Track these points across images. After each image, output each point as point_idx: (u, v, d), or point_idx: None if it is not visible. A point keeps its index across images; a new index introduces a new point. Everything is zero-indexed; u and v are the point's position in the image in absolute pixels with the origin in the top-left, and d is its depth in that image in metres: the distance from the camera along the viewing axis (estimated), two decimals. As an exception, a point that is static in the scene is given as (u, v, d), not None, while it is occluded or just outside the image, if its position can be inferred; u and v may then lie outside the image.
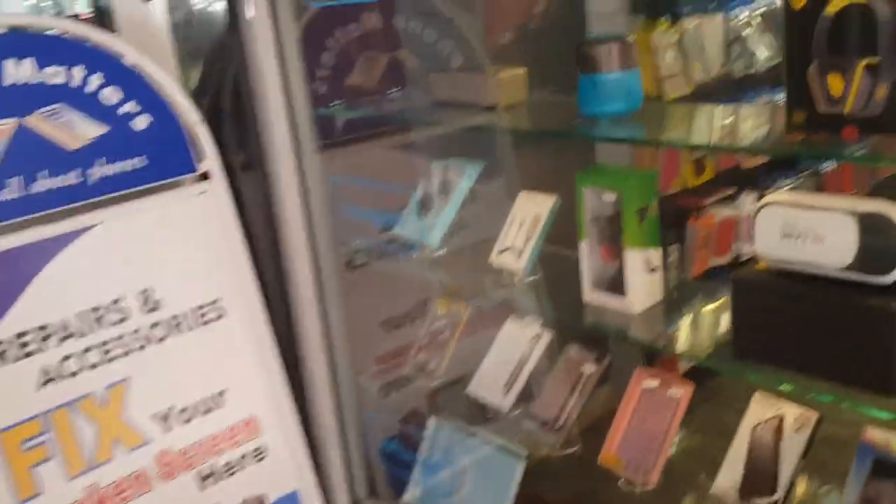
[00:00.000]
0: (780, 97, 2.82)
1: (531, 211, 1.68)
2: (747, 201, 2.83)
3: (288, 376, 1.88)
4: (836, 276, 1.11)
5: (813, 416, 1.36)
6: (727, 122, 1.33)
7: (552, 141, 2.11)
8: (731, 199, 2.80)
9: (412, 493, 2.12)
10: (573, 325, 1.62)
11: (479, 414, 1.91)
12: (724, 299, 1.59)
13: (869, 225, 1.06)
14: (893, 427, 1.25)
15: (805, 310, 1.13)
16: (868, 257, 1.07)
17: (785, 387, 1.18)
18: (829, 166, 3.13)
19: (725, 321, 1.45)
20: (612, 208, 1.43)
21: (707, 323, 1.47)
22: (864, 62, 1.02)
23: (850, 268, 1.09)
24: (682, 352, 1.40)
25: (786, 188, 2.97)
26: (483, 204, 1.98)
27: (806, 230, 1.12)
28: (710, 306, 1.54)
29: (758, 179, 2.93)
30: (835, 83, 1.06)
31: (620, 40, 1.35)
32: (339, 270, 2.06)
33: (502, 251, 1.68)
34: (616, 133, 1.37)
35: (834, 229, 1.09)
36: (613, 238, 1.44)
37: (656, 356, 2.67)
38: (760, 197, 2.90)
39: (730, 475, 1.38)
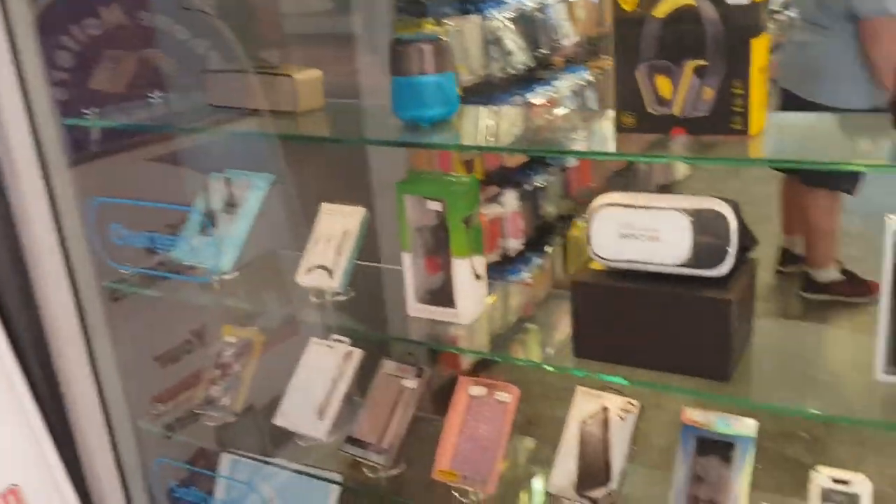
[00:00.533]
0: (535, 96, 2.99)
1: (338, 225, 1.59)
2: (510, 199, 2.97)
3: (53, 431, 1.61)
4: (671, 272, 1.16)
5: (635, 405, 1.43)
6: (550, 123, 1.34)
7: (342, 148, 2.02)
8: (496, 197, 2.92)
9: (212, 540, 1.92)
10: (397, 341, 1.56)
11: (286, 443, 1.77)
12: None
13: (702, 222, 1.12)
14: (713, 408, 1.35)
15: (644, 306, 1.17)
16: (701, 252, 1.13)
17: (636, 383, 1.21)
18: (573, 164, 3.40)
19: (553, 322, 1.48)
20: (436, 217, 1.38)
21: (537, 324, 1.48)
22: (692, 64, 1.07)
23: (685, 263, 1.14)
24: (526, 357, 1.39)
25: (540, 182, 3.17)
26: (273, 218, 1.84)
27: (642, 229, 1.16)
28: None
29: (517, 177, 3.09)
30: (663, 85, 1.10)
31: (435, 41, 1.30)
32: (105, 302, 1.80)
33: (311, 269, 1.57)
34: (440, 139, 1.33)
35: (669, 227, 1.14)
36: (438, 248, 1.40)
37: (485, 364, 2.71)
38: (522, 194, 3.07)
39: (564, 471, 1.41)
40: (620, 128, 1.16)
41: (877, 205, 4.71)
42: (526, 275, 3.07)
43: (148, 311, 1.97)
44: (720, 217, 1.12)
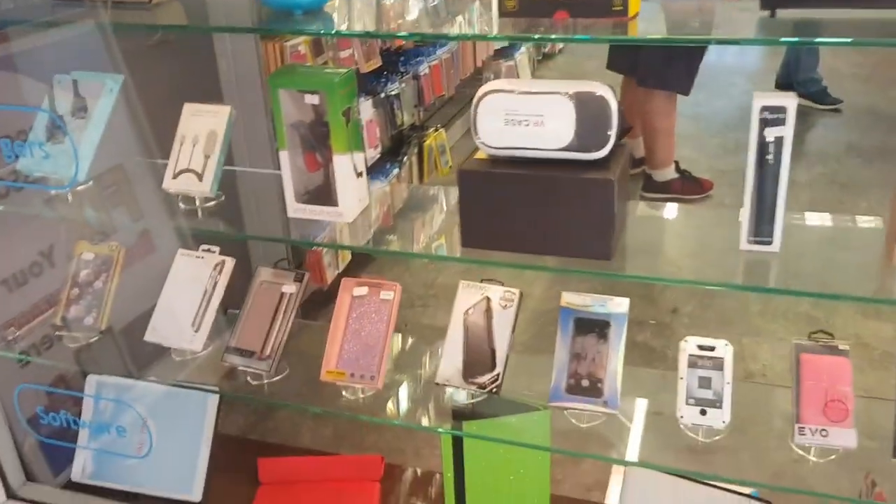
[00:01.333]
0: None
1: (204, 126, 1.50)
2: (365, 106, 2.92)
3: None
4: (555, 156, 1.19)
5: (516, 293, 1.48)
6: (432, 9, 1.31)
7: (196, 47, 1.89)
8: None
9: (80, 465, 1.84)
10: (273, 246, 1.51)
11: (158, 359, 1.70)
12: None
13: (584, 105, 1.15)
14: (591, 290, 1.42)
15: (530, 191, 1.20)
16: (584, 135, 1.16)
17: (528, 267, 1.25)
18: (426, 72, 3.37)
19: (434, 215, 1.49)
20: (313, 111, 1.33)
21: (420, 220, 1.49)
22: (574, -52, 1.08)
23: (568, 147, 1.17)
24: (415, 251, 1.39)
25: (393, 90, 3.12)
26: (126, 122, 1.72)
27: (527, 115, 1.17)
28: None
29: (370, 84, 3.03)
30: (545, -31, 1.11)
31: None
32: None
33: (178, 174, 1.48)
34: (311, 26, 1.27)
35: (553, 112, 1.16)
36: (317, 144, 1.35)
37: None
38: (376, 102, 3.01)
39: (451, 361, 1.45)
40: (503, 12, 1.15)
41: (705, 107, 5.02)
42: (384, 185, 3.05)
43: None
44: (601, 100, 1.15)
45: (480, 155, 1.25)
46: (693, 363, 1.34)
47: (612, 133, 1.16)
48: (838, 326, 2.71)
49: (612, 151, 1.20)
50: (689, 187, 3.66)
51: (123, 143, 1.88)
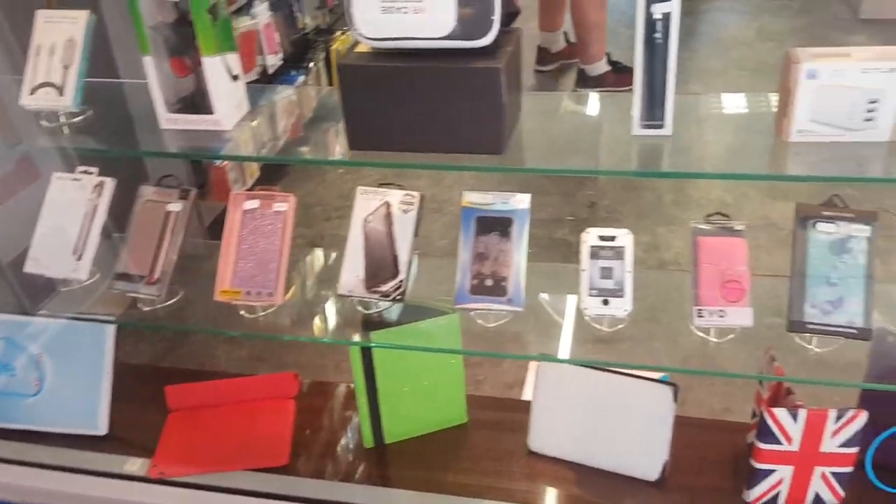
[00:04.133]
0: None
1: (60, 33, 1.36)
2: (261, 10, 2.74)
3: None
4: (438, 45, 1.11)
5: (416, 196, 1.43)
6: None
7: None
8: (246, 9, 2.68)
9: (-22, 408, 1.75)
10: (153, 161, 1.41)
11: (47, 291, 1.61)
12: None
13: (463, -13, 1.07)
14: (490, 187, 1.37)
15: (414, 85, 1.13)
16: (467, 22, 1.09)
17: (412, 166, 1.19)
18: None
19: (324, 129, 1.40)
20: (175, 10, 1.22)
21: (325, 128, 1.40)
22: None
23: (450, 36, 1.10)
24: (304, 157, 1.31)
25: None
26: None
27: (405, 3, 1.09)
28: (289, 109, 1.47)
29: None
30: None
31: None
32: None
33: (35, 88, 1.35)
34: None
35: (432, -3, 1.08)
36: (183, 47, 1.24)
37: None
38: (273, 3, 2.84)
39: (352, 270, 1.40)
40: None
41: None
42: (290, 92, 2.91)
43: None
44: (482, -19, 1.07)
45: (361, 48, 1.17)
46: (594, 254, 1.32)
47: (496, 18, 1.09)
48: (747, 210, 2.76)
49: (499, 38, 1.12)
50: (622, 79, 3.60)
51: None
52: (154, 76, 1.27)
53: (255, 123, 1.33)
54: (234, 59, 1.28)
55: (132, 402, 1.75)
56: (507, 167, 1.15)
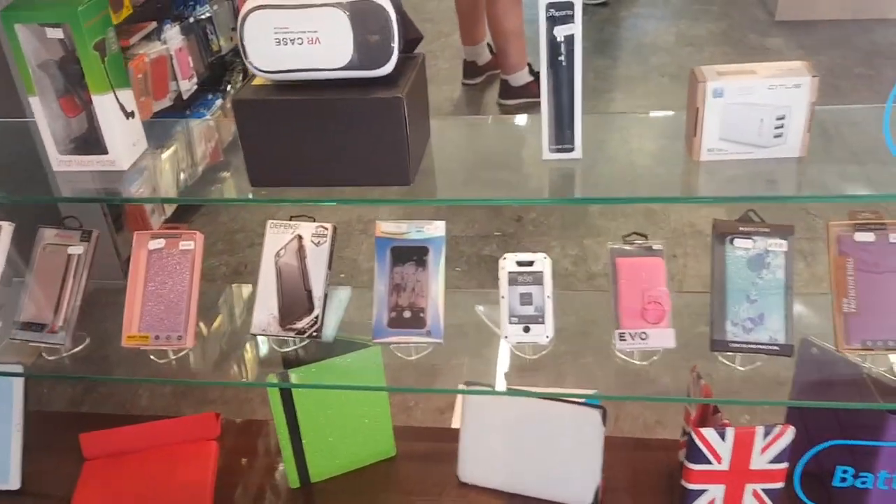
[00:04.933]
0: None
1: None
2: (172, 34, 2.66)
3: None
4: (337, 76, 1.07)
5: (328, 227, 1.38)
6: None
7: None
8: (156, 34, 2.59)
9: None
10: (47, 202, 1.33)
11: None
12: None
13: (361, 17, 1.03)
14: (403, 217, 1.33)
15: (313, 118, 1.08)
16: (365, 51, 1.05)
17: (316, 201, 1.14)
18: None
19: (227, 152, 1.35)
20: (62, 48, 1.15)
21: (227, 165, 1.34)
22: None
23: (349, 66, 1.06)
24: (204, 197, 1.26)
25: (202, 13, 2.86)
26: None
27: (299, 33, 1.04)
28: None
29: (177, 9, 2.76)
30: None
31: None
32: None
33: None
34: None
35: (328, 26, 1.04)
36: (73, 85, 1.18)
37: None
38: (185, 28, 2.75)
39: (266, 308, 1.34)
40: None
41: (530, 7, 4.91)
42: (208, 118, 2.84)
43: None
44: (379, 9, 1.03)
45: (259, 81, 1.12)
46: (513, 280, 1.29)
47: (395, 46, 1.05)
48: (674, 217, 2.78)
49: (401, 65, 1.09)
50: None
51: None
52: (43, 117, 1.20)
53: (153, 162, 1.27)
54: (127, 96, 1.22)
55: (47, 451, 1.66)
56: (414, 199, 1.12)
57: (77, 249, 1.41)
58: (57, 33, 1.14)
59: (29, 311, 1.40)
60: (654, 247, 1.27)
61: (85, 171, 1.23)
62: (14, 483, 1.61)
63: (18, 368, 1.50)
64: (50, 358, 1.39)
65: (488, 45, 4.01)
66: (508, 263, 1.29)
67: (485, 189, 1.15)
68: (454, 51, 4.26)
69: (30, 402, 1.61)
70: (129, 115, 1.23)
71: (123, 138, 1.22)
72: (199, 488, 1.57)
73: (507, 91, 3.72)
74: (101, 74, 1.16)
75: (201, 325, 1.39)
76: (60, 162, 1.23)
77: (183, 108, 2.74)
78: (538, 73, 1.06)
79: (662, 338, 1.22)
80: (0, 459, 1.61)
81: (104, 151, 1.21)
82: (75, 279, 1.40)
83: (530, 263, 1.29)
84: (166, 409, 2.07)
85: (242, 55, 1.08)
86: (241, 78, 3.15)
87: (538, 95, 1.09)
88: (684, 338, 1.25)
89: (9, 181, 1.31)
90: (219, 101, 2.96)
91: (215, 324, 1.46)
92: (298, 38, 1.05)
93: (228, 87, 3.08)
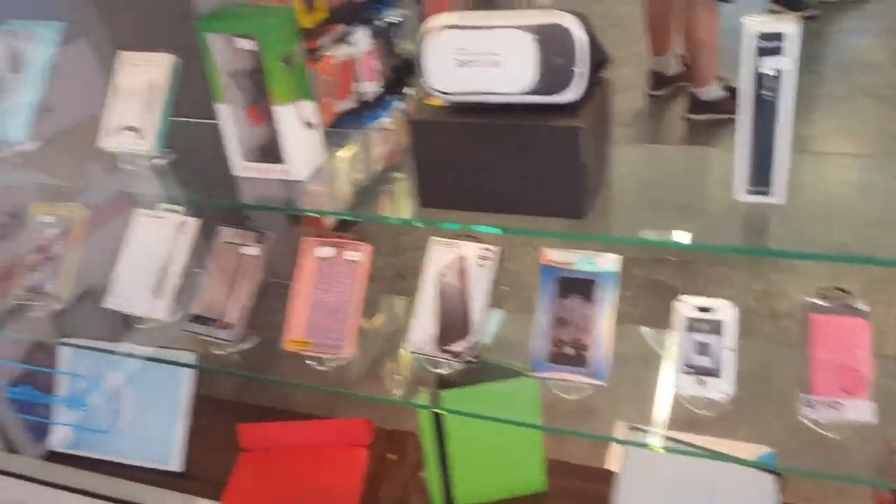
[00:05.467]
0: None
1: (143, 76, 1.35)
2: (361, 37, 2.72)
3: None
4: (517, 101, 1.02)
5: (494, 249, 1.33)
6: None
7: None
8: (345, 37, 2.66)
9: (60, 436, 1.78)
10: (228, 206, 1.38)
11: (127, 326, 1.60)
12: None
13: (547, 40, 0.97)
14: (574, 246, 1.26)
15: (489, 143, 1.04)
16: (549, 75, 0.99)
17: (482, 228, 1.10)
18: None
19: (401, 177, 1.33)
20: (251, 58, 1.18)
21: (401, 173, 1.33)
22: None
23: (531, 90, 1.00)
24: (370, 214, 1.25)
25: (391, 17, 2.91)
26: (75, 78, 1.58)
27: (481, 54, 1.00)
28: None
29: (367, 13, 2.82)
30: None
31: None
32: None
33: (115, 131, 1.34)
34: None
35: (511, 49, 0.99)
36: (259, 95, 1.20)
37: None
38: (374, 31, 2.82)
39: (423, 327, 1.32)
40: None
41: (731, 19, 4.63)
42: (387, 120, 2.88)
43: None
44: (567, 34, 0.97)
45: (434, 101, 1.09)
46: (690, 326, 1.19)
47: (582, 71, 0.98)
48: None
49: (586, 92, 1.02)
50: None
51: (81, 98, 1.75)
52: (229, 123, 1.23)
53: (328, 173, 1.27)
54: (309, 108, 1.23)
55: (208, 437, 1.73)
56: (587, 234, 1.04)
57: (252, 251, 1.45)
58: (247, 44, 1.16)
59: (201, 306, 1.46)
60: (858, 306, 1.12)
61: (264, 179, 1.26)
62: (176, 465, 1.69)
63: (192, 358, 1.57)
64: (217, 353, 1.44)
65: (679, 55, 3.82)
66: (685, 307, 1.19)
67: (666, 230, 1.05)
68: (640, 58, 4.10)
69: (197, 385, 1.69)
70: (310, 125, 1.24)
71: (303, 149, 1.23)
72: (347, 493, 1.58)
73: (697, 105, 3.53)
74: (286, 86, 1.17)
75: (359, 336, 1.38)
76: (243, 168, 1.27)
77: (364, 109, 2.80)
78: (734, 88, 0.95)
79: (859, 410, 1.08)
80: (165, 440, 1.70)
81: (283, 161, 1.23)
82: (249, 279, 1.44)
83: (711, 310, 1.18)
84: (321, 405, 2.11)
85: (420, 74, 1.05)
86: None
87: (730, 113, 0.98)
88: (886, 408, 1.09)
89: (195, 181, 1.37)
90: (398, 104, 3.00)
91: (373, 334, 1.45)
92: (480, 61, 1.00)
93: (407, 90, 3.11)
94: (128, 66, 1.36)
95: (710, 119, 3.50)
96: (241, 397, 2.18)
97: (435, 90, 1.05)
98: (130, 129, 1.33)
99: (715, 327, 1.17)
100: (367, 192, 1.30)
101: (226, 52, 1.18)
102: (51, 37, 1.44)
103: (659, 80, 3.88)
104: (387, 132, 2.88)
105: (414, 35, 2.88)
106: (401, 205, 1.26)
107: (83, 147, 1.55)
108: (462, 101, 1.05)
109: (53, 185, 1.60)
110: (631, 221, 1.09)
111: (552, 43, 0.97)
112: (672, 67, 3.85)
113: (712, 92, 3.47)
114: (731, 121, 0.98)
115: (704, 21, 3.33)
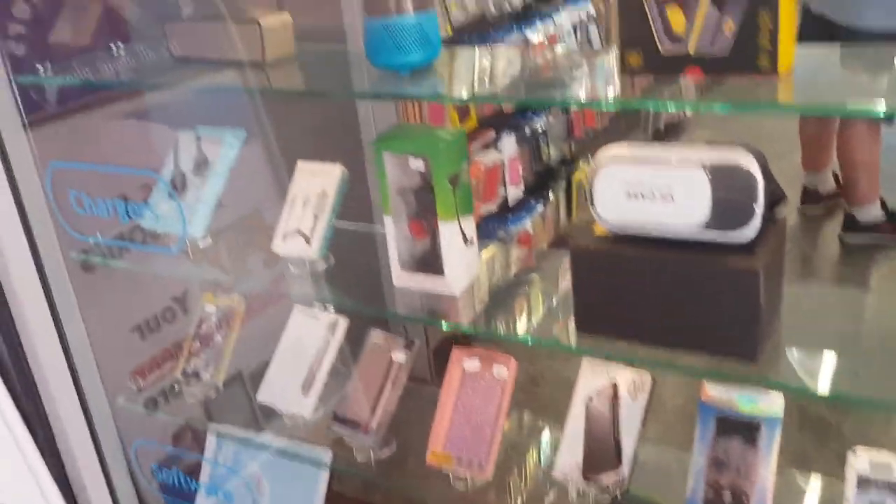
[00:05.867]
0: (532, 34, 2.80)
1: (315, 186, 1.43)
2: (508, 144, 2.78)
3: (26, 416, 1.51)
4: (688, 237, 1.00)
5: (647, 379, 1.29)
6: (545, 67, 1.17)
7: (322, 100, 1.85)
8: (494, 143, 2.73)
9: (200, 521, 1.82)
10: (382, 314, 1.41)
11: (266, 416, 1.65)
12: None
13: (722, 178, 0.96)
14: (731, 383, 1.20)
15: (655, 277, 1.02)
16: (722, 213, 0.97)
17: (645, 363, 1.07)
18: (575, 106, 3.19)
19: (557, 279, 1.33)
20: (420, 177, 1.22)
21: (539, 280, 1.34)
22: (709, -7, 0.90)
23: (703, 227, 0.98)
24: (521, 333, 1.25)
25: (540, 125, 2.96)
26: (244, 178, 1.69)
27: (653, 188, 0.99)
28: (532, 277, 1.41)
29: (515, 121, 2.89)
30: (676, 17, 0.93)
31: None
32: (77, 274, 1.67)
33: (287, 236, 1.42)
34: (418, 89, 1.16)
35: (684, 186, 0.97)
36: (424, 210, 1.24)
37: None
38: (520, 138, 2.87)
39: (570, 454, 1.28)
40: (626, 69, 0.98)
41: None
42: (528, 223, 2.90)
43: (125, 279, 1.84)
44: (744, 173, 0.95)
45: (599, 229, 1.09)
46: (864, 483, 1.09)
47: (759, 210, 0.96)
48: None
49: (761, 230, 0.99)
50: None
51: (251, 197, 1.86)
52: (392, 235, 1.28)
53: (481, 289, 1.28)
54: (469, 224, 1.25)
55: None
56: (759, 377, 0.99)
57: (399, 357, 1.47)
58: (417, 164, 1.20)
59: (346, 407, 1.48)
60: None
61: (419, 290, 1.28)
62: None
63: (328, 458, 1.58)
64: (359, 459, 1.45)
65: (834, 173, 3.67)
66: (860, 462, 1.09)
67: (841, 379, 0.99)
68: (793, 172, 3.95)
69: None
70: (468, 241, 1.26)
71: (460, 263, 1.25)
72: None
73: (853, 225, 3.35)
74: (451, 204, 1.20)
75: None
76: (400, 278, 1.30)
77: (507, 212, 2.84)
78: (893, 212, 0.89)
79: None
80: (298, 535, 1.71)
81: (441, 273, 1.25)
82: (394, 386, 1.45)
83: (889, 468, 1.08)
84: (451, 513, 2.07)
85: (588, 203, 1.05)
86: (564, 185, 3.20)
87: (890, 235, 0.91)
88: None
89: (351, 286, 1.41)
90: (539, 208, 3.03)
91: (515, 457, 1.42)
92: (651, 195, 1.00)
93: (550, 195, 3.13)
94: (303, 174, 1.44)
95: (868, 242, 3.31)
96: (370, 497, 2.18)
97: (605, 221, 1.04)
98: (300, 233, 1.40)
99: (893, 488, 1.07)
100: (514, 316, 1.31)
101: (397, 169, 1.23)
102: (235, 142, 1.55)
103: (812, 196, 3.73)
104: (526, 236, 2.91)
105: (559, 142, 2.90)
106: (554, 328, 1.25)
107: (248, 241, 1.64)
108: (630, 233, 1.04)
109: (221, 277, 1.69)
110: (805, 366, 1.03)
111: (730, 182, 0.96)
112: (827, 185, 3.70)
113: (870, 213, 3.30)
114: (891, 246, 0.92)
115: (865, 140, 3.19)
